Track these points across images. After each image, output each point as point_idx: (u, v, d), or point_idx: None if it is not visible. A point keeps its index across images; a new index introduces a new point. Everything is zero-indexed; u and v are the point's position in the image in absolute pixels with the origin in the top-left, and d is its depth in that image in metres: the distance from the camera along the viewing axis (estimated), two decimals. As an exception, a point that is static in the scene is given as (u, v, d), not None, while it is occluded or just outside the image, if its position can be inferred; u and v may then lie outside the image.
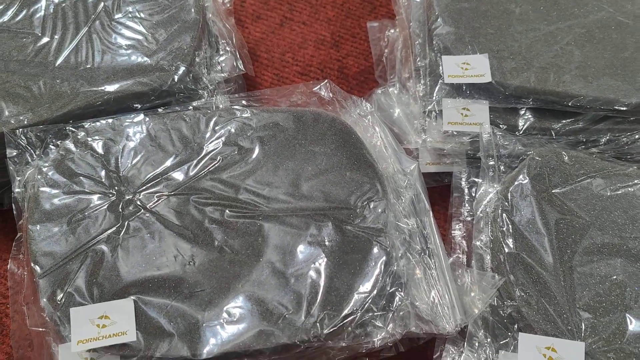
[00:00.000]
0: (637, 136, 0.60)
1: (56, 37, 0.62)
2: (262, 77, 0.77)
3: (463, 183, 0.60)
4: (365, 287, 0.48)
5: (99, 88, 0.58)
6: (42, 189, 0.51)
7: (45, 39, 0.61)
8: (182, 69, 0.59)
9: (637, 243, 0.51)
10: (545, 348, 0.46)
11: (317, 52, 0.79)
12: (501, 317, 0.49)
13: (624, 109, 0.59)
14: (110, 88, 0.58)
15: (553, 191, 0.54)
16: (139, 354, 0.45)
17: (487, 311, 0.50)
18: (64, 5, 0.64)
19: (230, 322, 0.46)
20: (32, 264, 0.48)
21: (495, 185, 0.57)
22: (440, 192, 0.66)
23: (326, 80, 0.62)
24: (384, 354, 0.54)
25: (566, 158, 0.56)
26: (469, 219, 0.58)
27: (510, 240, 0.51)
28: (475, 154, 0.61)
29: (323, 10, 0.83)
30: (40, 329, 0.47)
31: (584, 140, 0.61)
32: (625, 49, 0.63)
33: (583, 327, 0.47)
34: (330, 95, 0.61)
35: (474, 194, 0.58)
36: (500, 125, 0.60)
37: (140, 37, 0.62)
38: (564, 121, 0.60)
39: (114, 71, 0.59)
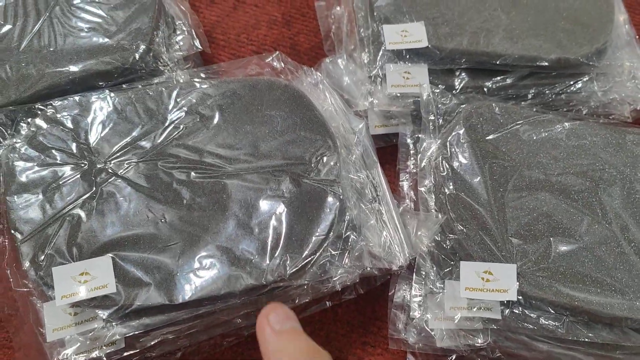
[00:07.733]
0: (558, 89, 0.67)
1: (18, 24, 0.64)
2: (219, 58, 0.82)
3: (408, 139, 0.66)
4: (323, 230, 0.53)
5: (64, 69, 0.61)
6: (16, 163, 0.54)
7: (7, 26, 0.64)
8: (142, 47, 0.63)
9: (560, 179, 0.58)
10: (483, 272, 0.52)
11: (270, 31, 0.84)
12: (445, 250, 0.55)
13: (546, 64, 0.65)
14: (75, 68, 0.61)
15: (486, 138, 0.60)
16: (119, 304, 0.49)
17: (432, 245, 0.56)
18: (23, -7, 0.67)
19: (202, 270, 0.50)
20: (13, 231, 0.51)
21: (436, 138, 0.63)
22: (390, 151, 0.71)
23: (277, 52, 0.66)
24: (345, 297, 0.59)
25: (497, 109, 0.62)
26: (414, 170, 0.63)
27: (450, 182, 0.57)
28: (418, 113, 0.67)
29: (273, -7, 0.87)
30: (25, 289, 0.51)
31: (514, 95, 0.68)
32: (545, 12, 0.70)
33: (515, 252, 0.53)
34: (282, 65, 0.66)
35: (418, 148, 0.64)
36: (439, 85, 0.66)
37: (99, 20, 0.65)
38: (494, 79, 0.67)
39: (77, 52, 0.62)
